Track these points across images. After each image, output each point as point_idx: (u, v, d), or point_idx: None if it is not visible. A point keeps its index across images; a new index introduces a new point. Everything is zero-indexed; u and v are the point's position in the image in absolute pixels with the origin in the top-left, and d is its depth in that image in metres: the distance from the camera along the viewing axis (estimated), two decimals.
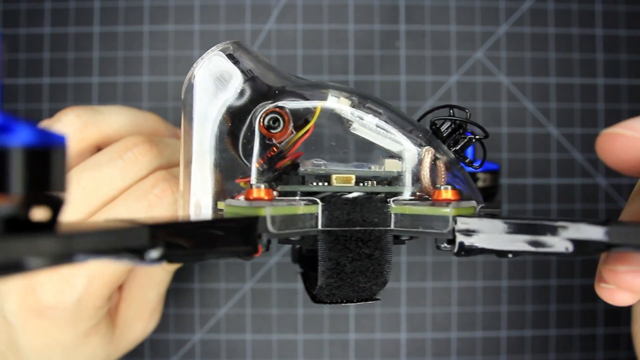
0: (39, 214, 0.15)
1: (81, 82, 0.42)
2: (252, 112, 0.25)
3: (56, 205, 0.15)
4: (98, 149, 0.31)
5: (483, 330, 0.42)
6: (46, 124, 0.31)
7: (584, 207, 0.42)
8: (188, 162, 0.26)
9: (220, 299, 0.41)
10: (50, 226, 0.15)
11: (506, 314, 0.42)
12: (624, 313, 0.42)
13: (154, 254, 0.18)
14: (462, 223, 0.23)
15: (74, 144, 0.30)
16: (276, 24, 0.43)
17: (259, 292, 0.42)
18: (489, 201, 0.34)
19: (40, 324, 0.29)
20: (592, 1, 0.43)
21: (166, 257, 0.18)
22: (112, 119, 0.31)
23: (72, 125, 0.30)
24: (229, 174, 0.26)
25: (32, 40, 0.42)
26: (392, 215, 0.24)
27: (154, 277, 0.33)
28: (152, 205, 0.28)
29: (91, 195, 0.28)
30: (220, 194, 0.26)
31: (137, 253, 0.17)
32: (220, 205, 0.25)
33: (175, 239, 0.18)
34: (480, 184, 0.34)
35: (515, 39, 0.43)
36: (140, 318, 0.34)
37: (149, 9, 0.42)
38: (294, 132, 0.25)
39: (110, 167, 0.29)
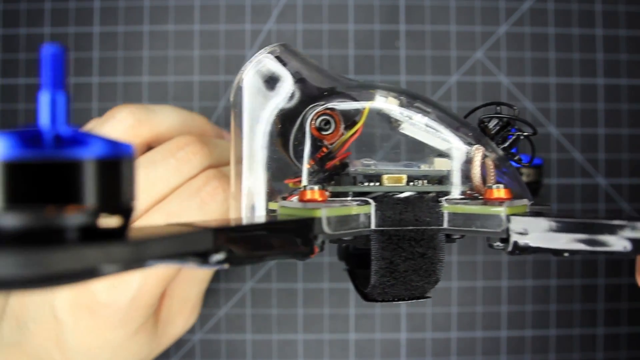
0: (110, 221, 0.16)
1: (81, 82, 0.42)
2: (302, 114, 0.25)
3: (126, 214, 0.16)
4: (148, 147, 0.32)
5: (483, 330, 0.42)
6: (99, 120, 0.31)
7: (584, 207, 0.42)
8: (239, 164, 0.26)
9: (220, 299, 0.41)
10: (121, 233, 0.16)
11: (506, 314, 0.42)
12: (624, 313, 0.42)
13: (218, 257, 0.18)
14: (516, 222, 0.23)
15: (128, 140, 0.30)
16: (276, 24, 0.43)
17: (259, 292, 0.42)
18: (533, 196, 0.34)
19: (92, 322, 0.29)
20: (592, 1, 0.43)
21: (229, 260, 0.19)
22: (164, 117, 0.32)
23: (127, 122, 0.31)
24: (277, 175, 0.26)
25: (32, 40, 0.42)
26: (445, 215, 0.24)
27: (197, 275, 0.33)
28: (204, 202, 0.29)
29: (146, 191, 0.29)
30: (270, 194, 0.26)
31: (201, 257, 0.18)
32: (271, 205, 0.25)
33: (237, 242, 0.19)
34: (524, 179, 0.34)
35: (515, 39, 0.43)
36: (181, 314, 0.34)
37: (149, 9, 0.42)
38: (344, 133, 0.25)
39: (164, 166, 0.29)
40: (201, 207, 0.29)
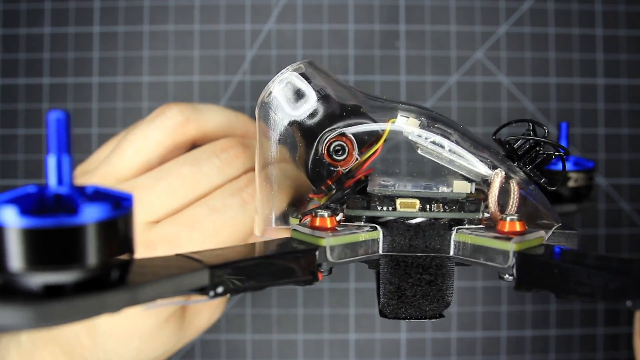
0: (111, 274, 0.17)
1: (81, 82, 0.42)
2: (319, 136, 0.26)
3: (124, 263, 0.17)
4: (194, 144, 0.33)
5: (483, 330, 0.42)
6: (147, 118, 0.32)
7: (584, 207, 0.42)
8: (262, 178, 0.27)
9: None
10: (121, 280, 0.17)
11: (506, 314, 0.42)
12: (624, 313, 0.42)
13: (217, 291, 0.20)
14: (522, 260, 0.22)
15: (175, 137, 0.32)
16: (276, 24, 0.43)
17: (259, 292, 0.42)
18: (581, 201, 0.33)
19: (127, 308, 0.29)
20: (592, 1, 0.43)
21: (227, 291, 0.20)
22: (210, 117, 0.33)
23: (176, 119, 0.32)
24: (302, 189, 0.27)
25: (32, 40, 0.42)
26: (452, 243, 0.24)
27: None
28: (245, 202, 0.30)
29: (190, 187, 0.30)
30: (292, 208, 0.27)
31: (200, 291, 0.19)
32: (292, 221, 0.26)
33: (235, 276, 0.20)
34: (571, 184, 0.33)
35: (515, 39, 0.43)
36: (208, 307, 0.34)
37: (149, 9, 0.42)
38: (359, 158, 0.25)
39: (208, 165, 0.31)
40: (242, 206, 0.30)
